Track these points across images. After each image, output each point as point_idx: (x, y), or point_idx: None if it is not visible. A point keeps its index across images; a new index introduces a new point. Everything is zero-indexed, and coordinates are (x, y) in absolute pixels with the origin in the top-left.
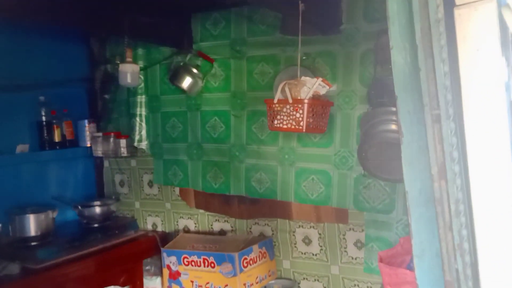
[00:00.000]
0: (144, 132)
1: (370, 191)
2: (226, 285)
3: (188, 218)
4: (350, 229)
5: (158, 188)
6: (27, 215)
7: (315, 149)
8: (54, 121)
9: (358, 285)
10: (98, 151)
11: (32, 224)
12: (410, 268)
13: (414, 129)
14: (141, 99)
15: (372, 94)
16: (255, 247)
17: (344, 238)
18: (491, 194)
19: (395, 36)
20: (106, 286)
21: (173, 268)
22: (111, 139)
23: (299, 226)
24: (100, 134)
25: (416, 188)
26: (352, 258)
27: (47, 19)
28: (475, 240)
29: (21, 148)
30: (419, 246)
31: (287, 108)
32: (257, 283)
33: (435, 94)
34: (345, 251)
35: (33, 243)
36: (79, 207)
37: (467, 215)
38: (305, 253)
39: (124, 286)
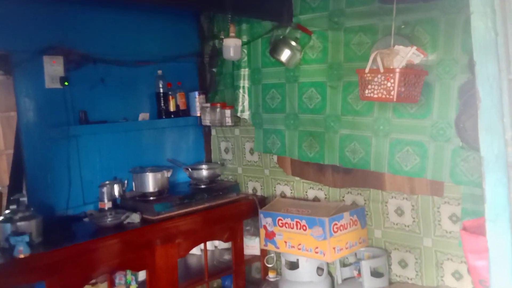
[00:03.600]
0: (246, 103)
1: (468, 163)
2: (317, 247)
3: (285, 184)
4: (445, 202)
5: (258, 155)
6: (147, 173)
7: (411, 120)
8: (170, 93)
9: (451, 259)
10: (206, 120)
11: (151, 182)
12: None
13: (493, 94)
14: (244, 72)
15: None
16: (346, 214)
17: (438, 211)
18: None
19: (475, 1)
20: (212, 240)
21: (269, 228)
22: (218, 109)
23: (392, 197)
24: (208, 104)
25: (493, 154)
26: (447, 232)
27: (162, 1)
28: None
29: (143, 116)
30: (494, 211)
31: (378, 78)
32: (347, 248)
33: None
34: (439, 224)
35: (151, 198)
36: (189, 169)
37: None
38: (397, 224)
39: (227, 241)
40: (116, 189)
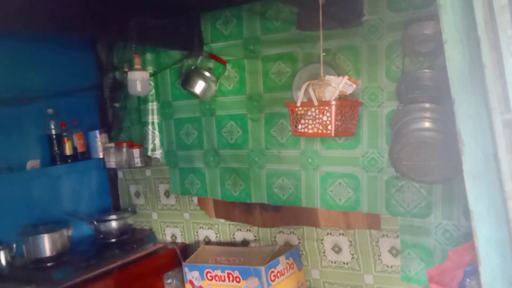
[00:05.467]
0: (157, 141)
1: (403, 194)
2: None
3: (209, 228)
4: (383, 235)
5: (176, 198)
6: (41, 235)
7: (341, 151)
8: (64, 134)
9: None
10: (111, 163)
11: (47, 244)
12: (463, 286)
13: (477, 136)
14: (153, 106)
15: (402, 90)
16: (282, 258)
17: (377, 245)
18: None
19: (448, 27)
20: None
21: (196, 283)
22: (124, 150)
23: (327, 233)
24: (112, 144)
25: (484, 206)
26: (388, 266)
27: (50, 28)
28: None
29: (32, 164)
30: (490, 274)
31: (312, 111)
32: None
33: (505, 95)
34: (379, 259)
35: (48, 264)
36: (95, 222)
37: None
38: (335, 262)
39: None
40: (2, 256)
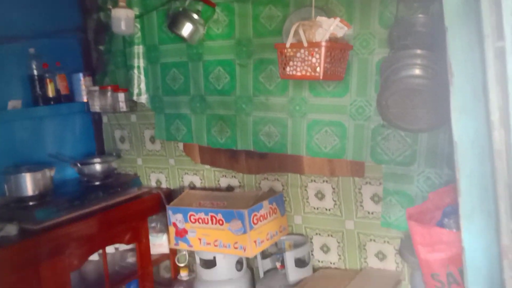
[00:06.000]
0: (143, 85)
1: (389, 142)
2: (236, 243)
3: (194, 174)
4: (366, 182)
5: (161, 143)
6: (23, 174)
7: (329, 99)
8: (47, 75)
9: (374, 240)
10: (96, 106)
11: (29, 183)
12: (441, 225)
13: (468, 68)
14: (139, 49)
15: (394, 36)
16: (265, 203)
17: (360, 192)
18: None
19: None
20: (111, 245)
21: (180, 225)
22: (109, 93)
23: (311, 180)
24: (97, 88)
25: (469, 139)
26: (369, 213)
27: None
28: None
29: (13, 104)
30: (469, 206)
31: (301, 53)
32: (268, 239)
33: (499, 22)
34: (361, 205)
35: (30, 203)
36: (78, 164)
37: None
38: (317, 208)
39: (129, 243)
40: None
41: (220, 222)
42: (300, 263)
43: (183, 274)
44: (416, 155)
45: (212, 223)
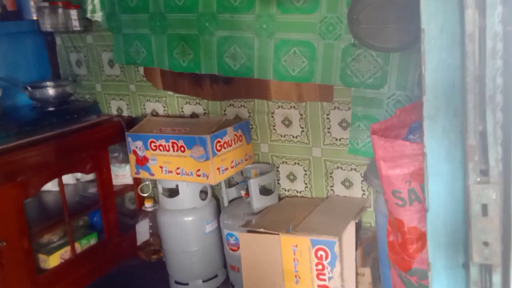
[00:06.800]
0: (97, 1)
1: (359, 63)
2: (199, 170)
3: (156, 101)
4: (335, 107)
5: (120, 68)
6: None
7: (298, 15)
8: None
9: (341, 167)
10: (47, 25)
11: None
12: (407, 140)
13: None
14: None
15: None
16: (230, 130)
17: (328, 118)
18: None
19: None
20: (70, 173)
21: (140, 153)
22: (60, 10)
23: (279, 106)
24: (47, 4)
25: (437, 24)
26: (336, 139)
27: None
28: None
29: None
30: (433, 104)
31: None
32: (232, 167)
33: None
34: (329, 132)
35: None
36: (29, 88)
37: (505, 58)
38: (284, 136)
39: (90, 173)
40: None
41: (182, 148)
42: (265, 191)
43: (148, 205)
44: (387, 76)
45: (174, 150)
